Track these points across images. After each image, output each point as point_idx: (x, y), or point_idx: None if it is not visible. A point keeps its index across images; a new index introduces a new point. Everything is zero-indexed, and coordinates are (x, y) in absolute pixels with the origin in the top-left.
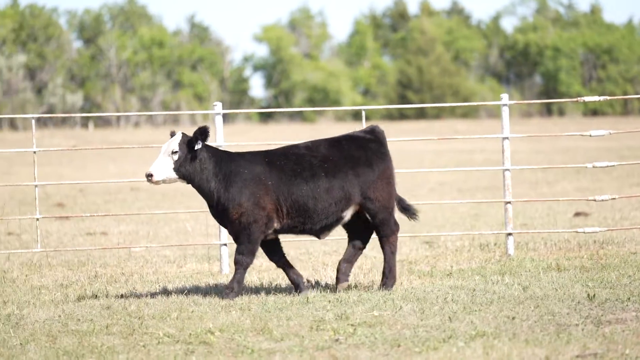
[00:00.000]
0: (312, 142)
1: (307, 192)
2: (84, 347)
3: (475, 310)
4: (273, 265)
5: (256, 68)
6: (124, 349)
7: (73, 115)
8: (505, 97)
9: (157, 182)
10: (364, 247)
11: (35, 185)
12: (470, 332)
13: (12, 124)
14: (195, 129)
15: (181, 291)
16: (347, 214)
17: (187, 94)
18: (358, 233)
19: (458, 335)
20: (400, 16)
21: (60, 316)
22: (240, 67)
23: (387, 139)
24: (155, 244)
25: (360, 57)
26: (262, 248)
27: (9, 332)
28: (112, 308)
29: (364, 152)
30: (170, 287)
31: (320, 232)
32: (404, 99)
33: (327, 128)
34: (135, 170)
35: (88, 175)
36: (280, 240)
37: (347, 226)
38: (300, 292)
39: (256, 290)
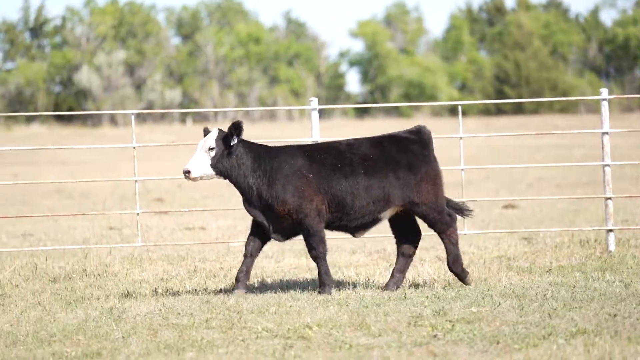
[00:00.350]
0: (354, 139)
1: (346, 188)
2: (184, 340)
3: (576, 307)
4: (371, 260)
5: (352, 63)
6: (223, 343)
7: (172, 111)
8: (604, 92)
9: (195, 179)
10: (414, 252)
11: (135, 181)
12: (571, 329)
13: (113, 120)
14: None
15: (279, 286)
16: (385, 216)
17: (284, 89)
18: (406, 237)
19: (558, 332)
20: (497, 10)
21: (160, 310)
22: (336, 62)
23: (484, 134)
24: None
25: (457, 51)
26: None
27: (112, 325)
28: (211, 302)
29: (405, 154)
30: (268, 281)
31: (355, 230)
32: (501, 94)
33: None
34: None
35: None
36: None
37: (394, 231)
38: (237, 285)
39: (353, 285)
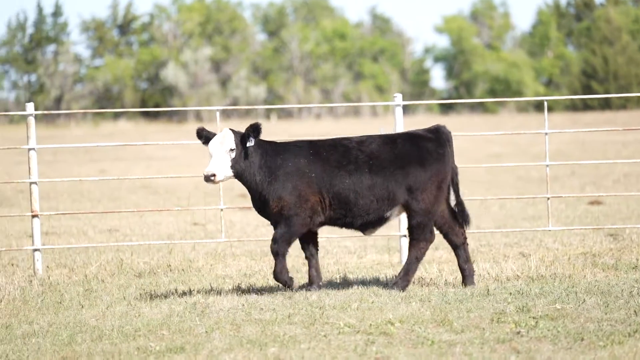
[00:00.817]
0: (367, 136)
1: (349, 186)
2: (267, 335)
3: None
4: (454, 257)
5: (437, 59)
6: (305, 338)
7: (256, 107)
8: None
9: (217, 182)
10: (466, 239)
11: None
12: None
13: (198, 116)
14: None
15: (361, 282)
16: (393, 214)
17: (368, 85)
18: (449, 225)
19: None
20: (585, 5)
21: (243, 305)
22: (421, 58)
23: (570, 130)
24: (336, 235)
25: (543, 47)
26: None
27: (195, 320)
28: (293, 298)
29: (418, 150)
30: (350, 277)
31: (362, 228)
32: (588, 90)
33: (509, 119)
34: None
35: None
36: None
37: (438, 228)
38: (310, 286)
39: (436, 282)
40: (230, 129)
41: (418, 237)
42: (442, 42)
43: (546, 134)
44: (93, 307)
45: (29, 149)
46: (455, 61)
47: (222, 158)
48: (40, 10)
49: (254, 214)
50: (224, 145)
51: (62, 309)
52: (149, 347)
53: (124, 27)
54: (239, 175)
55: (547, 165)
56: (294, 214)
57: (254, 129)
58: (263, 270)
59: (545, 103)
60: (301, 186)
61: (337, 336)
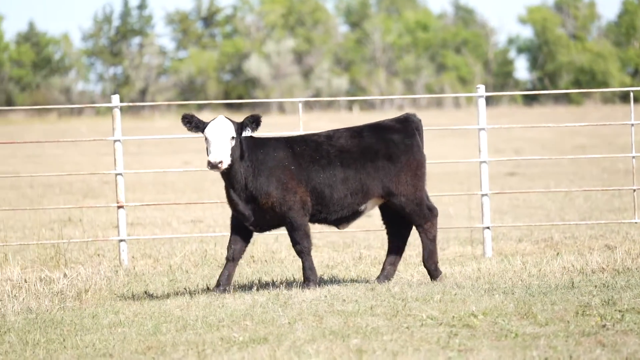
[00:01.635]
0: (334, 130)
1: (323, 180)
2: (349, 327)
3: None
4: (538, 248)
5: (520, 50)
6: (387, 330)
7: (339, 98)
8: None
9: (221, 169)
10: (404, 246)
11: None
12: None
13: (281, 108)
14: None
15: (444, 274)
16: (367, 208)
17: (451, 76)
18: (396, 229)
19: None
20: None
21: (326, 296)
22: (505, 49)
23: None
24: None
25: (630, 37)
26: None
27: (278, 311)
28: (376, 290)
29: (385, 144)
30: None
31: (337, 222)
32: None
33: (595, 110)
34: None
35: None
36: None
37: (385, 224)
38: (217, 288)
39: (519, 273)
40: (224, 116)
41: (419, 222)
42: (526, 33)
43: (632, 125)
44: (177, 297)
45: (115, 141)
46: (539, 52)
47: (226, 145)
48: (126, 3)
49: None
50: (226, 132)
51: (147, 298)
52: (233, 338)
53: (208, 20)
54: (232, 165)
55: (633, 157)
56: (288, 209)
57: (254, 120)
58: (345, 261)
59: (632, 94)
60: (286, 179)
61: (420, 328)
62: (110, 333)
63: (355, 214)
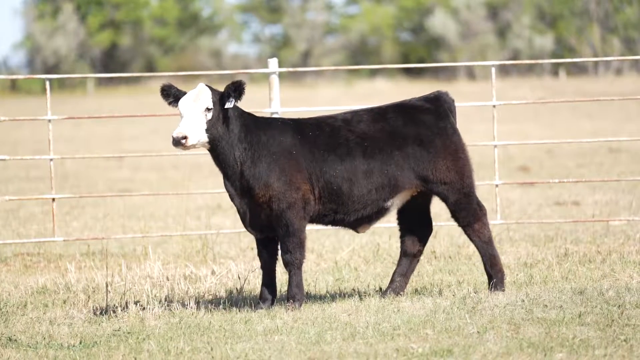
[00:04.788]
0: (352, 112)
1: (340, 173)
2: (552, 338)
3: None
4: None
5: None
6: (600, 342)
7: (541, 61)
8: None
9: (189, 147)
10: (421, 252)
11: (495, 146)
12: None
13: (470, 73)
14: None
15: None
16: (394, 204)
17: None
18: (411, 231)
19: None
20: None
21: (523, 301)
22: None
23: None
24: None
25: None
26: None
27: (465, 318)
28: (585, 293)
29: (415, 127)
30: None
31: (355, 224)
32: None
33: None
34: (615, 128)
35: (557, 133)
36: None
37: (399, 222)
38: (262, 303)
39: None
40: (207, 85)
41: (466, 221)
42: None
43: None
44: (345, 300)
45: (272, 113)
46: None
47: (196, 118)
48: None
49: (536, 191)
50: (198, 103)
51: (308, 301)
52: (410, 349)
53: None
54: (214, 142)
55: None
56: (287, 206)
57: (236, 88)
58: (547, 259)
59: None
60: (291, 171)
61: None
62: (266, 341)
63: (379, 213)
